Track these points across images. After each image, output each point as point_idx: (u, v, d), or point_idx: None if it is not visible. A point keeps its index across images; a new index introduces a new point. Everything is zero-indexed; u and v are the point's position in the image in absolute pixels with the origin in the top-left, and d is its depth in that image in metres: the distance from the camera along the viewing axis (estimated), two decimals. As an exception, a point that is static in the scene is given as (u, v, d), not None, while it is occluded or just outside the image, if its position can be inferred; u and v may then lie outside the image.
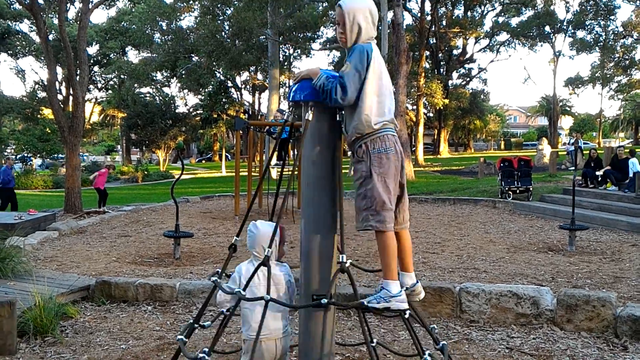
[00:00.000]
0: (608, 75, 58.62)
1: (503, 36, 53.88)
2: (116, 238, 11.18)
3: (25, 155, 34.63)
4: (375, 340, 3.59)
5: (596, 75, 59.63)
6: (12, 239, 8.49)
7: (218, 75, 44.91)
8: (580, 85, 62.24)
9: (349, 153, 3.06)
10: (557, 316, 5.81)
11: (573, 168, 13.93)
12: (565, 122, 74.79)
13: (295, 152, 14.06)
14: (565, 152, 30.58)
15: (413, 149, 39.83)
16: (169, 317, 6.45)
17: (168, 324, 6.20)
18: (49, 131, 34.49)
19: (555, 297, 5.93)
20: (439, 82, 43.39)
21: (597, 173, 16.45)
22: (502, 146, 70.94)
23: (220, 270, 3.29)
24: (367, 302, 2.87)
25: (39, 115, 41.56)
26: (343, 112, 3.03)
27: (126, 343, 5.60)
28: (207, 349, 2.92)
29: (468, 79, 57.86)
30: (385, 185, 2.89)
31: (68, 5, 38.64)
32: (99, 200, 16.30)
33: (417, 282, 3.08)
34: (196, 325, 3.33)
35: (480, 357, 5.11)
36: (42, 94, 41.64)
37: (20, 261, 7.71)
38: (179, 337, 3.09)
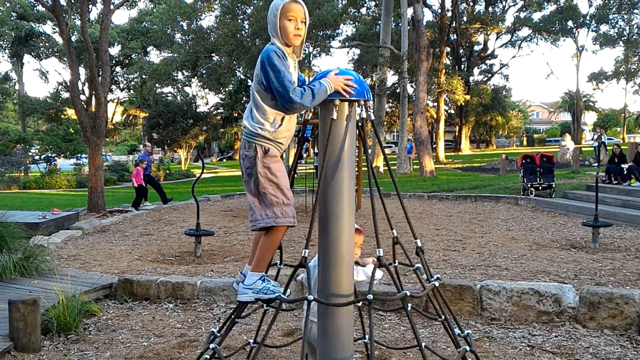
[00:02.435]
0: (632, 70, 57.70)
1: (525, 31, 53.35)
2: (138, 237, 11.30)
3: (50, 155, 35.11)
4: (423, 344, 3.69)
5: (620, 69, 58.72)
6: (36, 238, 8.64)
7: (238, 74, 45.08)
8: (604, 80, 61.36)
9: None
10: (580, 314, 5.74)
11: (596, 164, 13.72)
12: (589, 117, 73.80)
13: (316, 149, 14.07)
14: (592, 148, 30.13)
15: (434, 146, 39.60)
16: (190, 315, 6.51)
17: (189, 322, 6.26)
18: (72, 131, 34.92)
19: (578, 295, 5.86)
20: (460, 78, 43.04)
21: (623, 166, 16.17)
22: (525, 142, 70.17)
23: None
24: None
25: (62, 116, 42.17)
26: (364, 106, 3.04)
27: (148, 340, 5.66)
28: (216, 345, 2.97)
29: (489, 75, 57.32)
30: None
31: (90, 6, 39.06)
32: (137, 199, 16.24)
33: (240, 281, 3.13)
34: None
35: (501, 355, 5.08)
36: (65, 95, 42.23)
37: (44, 260, 7.82)
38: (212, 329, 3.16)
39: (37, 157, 36.51)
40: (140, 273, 7.85)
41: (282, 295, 2.86)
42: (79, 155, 35.07)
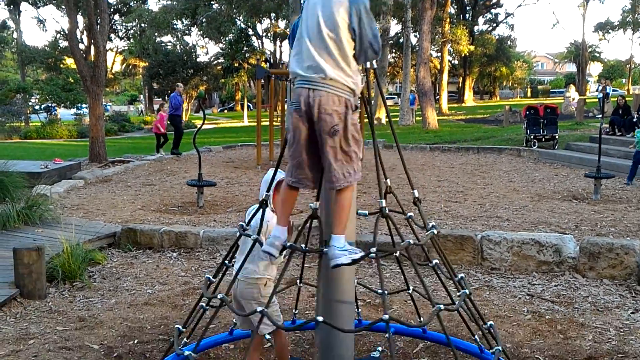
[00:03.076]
0: (639, 20, 56.61)
1: (531, -21, 52.07)
2: (140, 187, 11.32)
3: (50, 105, 34.86)
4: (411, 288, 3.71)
5: (627, 19, 57.62)
6: (39, 188, 8.65)
7: (239, 23, 44.31)
8: (610, 31, 60.30)
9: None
10: (580, 264, 5.79)
11: (600, 116, 13.60)
12: (594, 68, 72.83)
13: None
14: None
15: (437, 97, 39.26)
16: (193, 264, 6.58)
17: (193, 270, 6.33)
18: (72, 81, 34.53)
19: (578, 245, 5.90)
20: (465, 27, 42.30)
21: (634, 113, 15.98)
22: (529, 94, 69.51)
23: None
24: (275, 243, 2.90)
25: (61, 65, 41.61)
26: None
27: (152, 288, 5.73)
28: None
29: (494, 25, 56.26)
30: (290, 139, 2.76)
31: (87, -48, 38.13)
32: (159, 144, 16.29)
33: (330, 247, 2.79)
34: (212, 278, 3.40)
35: (500, 304, 5.14)
36: (63, 44, 41.59)
37: (47, 209, 7.86)
38: (207, 275, 3.22)
39: (37, 107, 36.25)
40: (143, 222, 7.90)
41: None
42: (79, 105, 34.79)
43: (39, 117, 34.06)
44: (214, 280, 3.26)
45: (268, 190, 3.09)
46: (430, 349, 4.21)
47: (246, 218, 3.29)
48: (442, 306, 2.75)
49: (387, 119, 3.54)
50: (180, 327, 3.12)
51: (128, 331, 4.60)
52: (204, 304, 3.19)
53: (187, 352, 2.84)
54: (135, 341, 4.41)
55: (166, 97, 47.59)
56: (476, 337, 3.45)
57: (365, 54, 2.69)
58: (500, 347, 2.98)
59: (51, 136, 27.33)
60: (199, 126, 10.35)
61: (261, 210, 3.09)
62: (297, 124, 2.68)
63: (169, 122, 16.99)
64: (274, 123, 16.34)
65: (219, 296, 2.89)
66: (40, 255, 5.33)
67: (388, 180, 3.10)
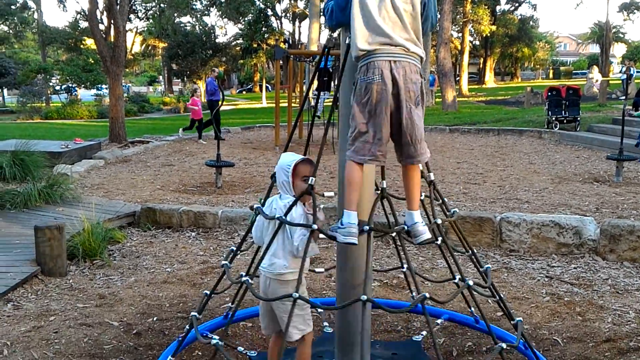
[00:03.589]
0: (667, -1, 55.35)
1: (555, -43, 51.01)
2: (160, 167, 11.40)
3: (70, 85, 35.12)
4: (405, 266, 3.63)
5: (654, -1, 56.32)
6: (60, 167, 8.76)
7: (258, 3, 44.18)
8: (635, 11, 58.93)
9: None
10: (600, 246, 5.72)
11: (624, 97, 13.36)
12: (618, 49, 71.41)
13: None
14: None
15: (457, 78, 38.87)
16: (212, 243, 6.62)
17: (211, 249, 6.37)
18: (92, 61, 34.75)
19: (599, 227, 5.83)
20: (486, 7, 41.74)
21: None
22: (551, 75, 68.42)
23: (262, 199, 3.27)
24: (319, 225, 2.73)
25: (81, 46, 41.94)
26: None
27: (171, 267, 5.79)
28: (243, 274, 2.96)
29: (517, 4, 55.37)
30: (362, 116, 2.64)
31: None
32: (200, 127, 15.86)
33: (416, 222, 2.78)
34: (238, 251, 3.37)
35: (519, 285, 5.11)
36: (84, 24, 41.81)
37: (68, 188, 7.95)
38: (224, 262, 3.12)
39: (57, 88, 36.54)
40: (162, 202, 7.96)
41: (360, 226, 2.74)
42: (99, 85, 35.03)
43: (59, 97, 34.33)
44: (230, 265, 3.15)
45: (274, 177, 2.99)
46: (448, 330, 4.21)
47: (270, 208, 3.01)
48: (470, 282, 2.78)
49: None
50: (196, 314, 3.09)
51: (147, 308, 4.65)
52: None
53: (214, 340, 2.79)
54: (155, 318, 4.46)
55: (185, 79, 47.79)
56: (472, 309, 3.59)
57: (429, 26, 2.74)
58: (521, 319, 3.02)
59: (71, 116, 27.57)
60: (217, 107, 10.36)
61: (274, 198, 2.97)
62: (381, 96, 2.61)
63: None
64: (293, 104, 16.30)
65: (244, 278, 2.82)
66: (60, 233, 5.40)
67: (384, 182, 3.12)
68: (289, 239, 2.83)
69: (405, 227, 2.76)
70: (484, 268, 3.06)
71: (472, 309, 3.64)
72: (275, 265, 2.89)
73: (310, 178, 2.80)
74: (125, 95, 30.09)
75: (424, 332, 3.95)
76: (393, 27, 2.62)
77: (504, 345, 2.69)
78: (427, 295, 2.59)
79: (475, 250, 3.17)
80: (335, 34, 3.21)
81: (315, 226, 2.71)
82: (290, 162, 2.90)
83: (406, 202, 2.83)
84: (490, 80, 53.50)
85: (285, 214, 2.80)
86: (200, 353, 3.88)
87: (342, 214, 2.72)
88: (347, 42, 2.81)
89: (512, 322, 3.01)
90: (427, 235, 2.72)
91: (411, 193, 2.79)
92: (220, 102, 10.46)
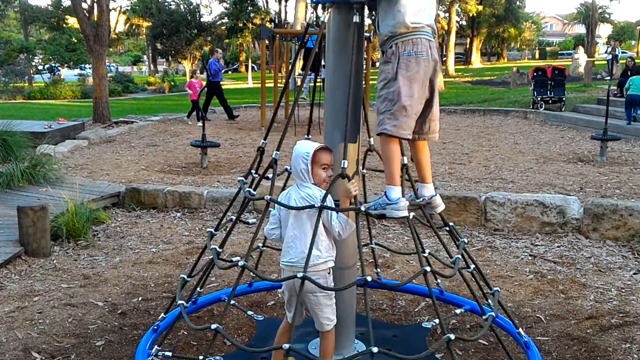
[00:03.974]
0: (653, -21, 55.41)
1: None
2: (144, 147, 11.31)
3: (53, 65, 34.61)
4: (374, 242, 3.76)
5: (640, -21, 56.39)
6: (43, 147, 8.65)
7: (243, -19, 43.62)
8: (621, -9, 59.08)
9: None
10: (583, 225, 5.78)
11: (609, 77, 13.42)
12: (604, 30, 71.61)
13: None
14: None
15: (443, 59, 38.77)
16: (197, 223, 6.60)
17: (197, 230, 6.35)
18: (75, 41, 34.23)
19: (582, 206, 5.88)
20: (473, -13, 41.51)
21: None
22: (537, 55, 68.53)
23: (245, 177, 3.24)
24: (365, 207, 2.73)
25: (64, 25, 41.21)
26: (374, 11, 2.88)
27: (156, 247, 5.76)
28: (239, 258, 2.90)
29: (503, -16, 55.19)
30: (409, 90, 2.68)
31: None
32: (198, 111, 15.07)
33: (436, 194, 2.91)
34: (215, 233, 3.35)
35: (502, 264, 5.16)
36: (67, 3, 41.09)
37: (51, 168, 7.87)
38: (212, 246, 3.05)
39: (40, 67, 36.00)
40: (147, 183, 7.90)
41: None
42: (82, 65, 34.57)
43: (42, 77, 33.86)
44: (220, 250, 3.07)
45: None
46: (432, 308, 4.23)
47: (288, 200, 2.87)
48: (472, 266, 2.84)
49: None
50: (184, 276, 3.09)
51: (132, 289, 4.64)
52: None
53: (214, 325, 2.72)
54: (140, 298, 4.45)
55: (170, 58, 47.24)
56: (438, 281, 3.79)
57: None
58: (497, 289, 3.08)
59: (55, 97, 27.20)
60: (203, 86, 10.27)
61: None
62: (427, 72, 2.75)
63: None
64: (279, 84, 16.19)
65: (241, 263, 2.76)
66: (44, 213, 5.35)
67: (372, 139, 3.22)
68: (330, 224, 2.73)
69: (426, 199, 2.95)
70: (460, 241, 3.10)
71: (439, 280, 3.75)
72: (305, 258, 2.66)
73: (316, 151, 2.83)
74: (110, 75, 29.74)
75: (436, 320, 3.70)
76: (431, 6, 2.78)
77: (493, 314, 2.73)
78: (428, 269, 2.62)
79: (453, 225, 3.22)
80: (320, 13, 3.18)
81: (362, 207, 2.72)
82: (309, 150, 2.81)
83: (421, 178, 3.02)
84: (476, 61, 53.45)
85: (322, 201, 2.69)
86: (185, 332, 3.88)
87: (387, 190, 2.79)
88: (323, 19, 2.80)
89: (489, 292, 3.05)
90: (443, 206, 2.98)
91: (428, 167, 2.99)
92: (206, 82, 10.35)
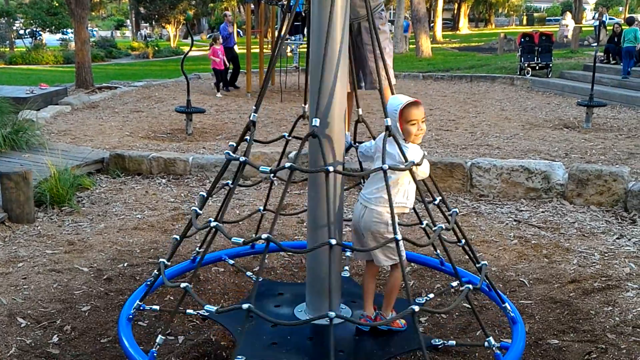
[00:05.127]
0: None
1: None
2: (128, 113, 11.17)
3: (35, 29, 33.87)
4: None
5: (629, -56, 55.96)
6: (25, 113, 8.50)
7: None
8: (610, -44, 58.67)
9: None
10: (568, 190, 5.82)
11: (596, 44, 13.42)
12: (592, -4, 71.30)
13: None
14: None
15: (431, 25, 38.41)
16: (182, 190, 6.57)
17: (182, 196, 6.32)
18: (57, 4, 33.48)
19: (567, 172, 5.91)
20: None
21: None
22: (525, 21, 68.23)
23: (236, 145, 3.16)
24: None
25: (45, -12, 40.29)
26: None
27: (142, 213, 5.73)
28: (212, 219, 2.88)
29: (492, -51, 54.54)
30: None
31: None
32: (224, 81, 14.81)
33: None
34: (204, 195, 3.31)
35: (487, 229, 5.19)
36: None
37: (34, 134, 7.76)
38: (193, 207, 3.04)
39: (21, 32, 35.22)
40: (131, 149, 7.82)
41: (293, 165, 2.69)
42: (64, 30, 33.85)
43: (23, 42, 33.10)
44: (201, 212, 3.05)
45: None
46: (417, 272, 4.27)
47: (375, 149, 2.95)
48: (443, 226, 2.76)
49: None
50: (164, 261, 3.02)
51: (118, 255, 4.62)
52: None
53: (184, 284, 2.73)
54: (125, 264, 4.43)
55: (154, 23, 46.43)
56: (437, 252, 3.62)
57: None
58: (485, 263, 3.03)
59: (37, 62, 26.70)
60: (186, 52, 10.10)
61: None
62: None
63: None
64: (264, 50, 15.98)
65: (213, 224, 2.76)
66: (27, 179, 5.28)
67: (360, 109, 3.12)
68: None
69: None
70: (451, 211, 3.06)
71: (438, 251, 3.68)
72: (379, 198, 2.80)
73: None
74: (92, 39, 29.17)
75: (347, 267, 3.81)
76: None
77: (470, 286, 2.72)
78: (399, 237, 2.57)
79: (443, 194, 3.17)
80: None
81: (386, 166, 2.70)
82: (396, 107, 2.78)
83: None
84: (464, 27, 53.06)
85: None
86: (172, 297, 3.89)
87: None
88: None
89: (476, 265, 3.04)
90: None
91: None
92: (190, 46, 10.16)
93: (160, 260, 2.96)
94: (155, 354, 2.59)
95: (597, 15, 28.07)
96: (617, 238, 4.87)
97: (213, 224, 2.68)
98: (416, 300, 3.54)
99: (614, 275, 4.10)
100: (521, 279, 4.13)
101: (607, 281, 4.01)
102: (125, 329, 2.78)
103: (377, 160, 2.81)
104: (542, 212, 5.60)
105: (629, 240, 4.81)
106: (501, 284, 4.04)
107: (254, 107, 2.86)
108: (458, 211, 3.01)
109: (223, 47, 14.66)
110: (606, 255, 4.51)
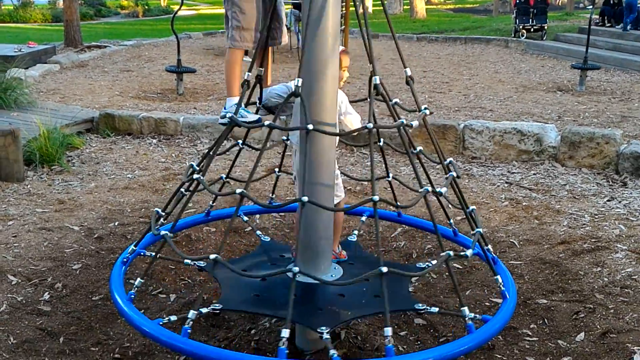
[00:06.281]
0: None
1: None
2: (118, 73, 11.01)
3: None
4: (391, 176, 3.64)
5: None
6: (13, 71, 8.36)
7: None
8: None
9: None
10: (560, 153, 5.82)
11: (591, 6, 13.29)
12: (589, -42, 70.45)
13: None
14: None
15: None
16: (173, 150, 6.52)
17: (173, 157, 6.28)
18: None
19: (560, 134, 5.91)
20: None
21: None
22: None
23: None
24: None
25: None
26: None
27: (132, 173, 5.70)
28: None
29: None
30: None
31: None
32: None
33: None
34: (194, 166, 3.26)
35: (479, 191, 5.20)
36: None
37: (23, 92, 7.64)
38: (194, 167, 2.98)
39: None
40: (121, 108, 7.73)
41: (271, 123, 2.67)
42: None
43: (11, 0, 32.46)
44: (197, 168, 3.02)
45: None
46: (408, 233, 4.29)
47: None
48: (428, 188, 2.67)
49: (375, 7, 3.28)
50: (159, 210, 3.03)
51: (108, 214, 4.60)
52: (184, 190, 3.03)
53: (163, 232, 2.78)
54: (116, 223, 4.42)
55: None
56: (451, 221, 3.46)
57: None
58: (480, 230, 2.97)
59: (24, 20, 26.19)
60: (175, 10, 9.91)
61: None
62: None
63: None
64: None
65: (195, 176, 2.77)
66: (16, 137, 5.23)
67: (372, 65, 2.97)
68: None
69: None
70: (449, 175, 2.99)
71: (451, 220, 3.52)
72: None
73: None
74: (80, -3, 28.56)
75: (356, 232, 3.67)
76: None
77: (451, 253, 2.63)
78: (377, 198, 2.47)
79: (444, 157, 3.06)
80: None
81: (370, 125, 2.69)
82: None
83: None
84: (459, -12, 52.40)
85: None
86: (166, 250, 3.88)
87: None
88: None
89: (472, 232, 2.98)
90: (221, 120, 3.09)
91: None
92: (179, 5, 9.96)
93: (155, 209, 2.99)
94: (133, 296, 2.69)
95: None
96: (608, 200, 4.89)
97: (238, 191, 2.60)
98: (417, 265, 3.47)
99: (603, 237, 4.13)
100: (511, 240, 4.16)
101: (597, 243, 4.04)
102: (118, 282, 2.78)
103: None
104: (534, 174, 5.61)
105: (620, 202, 4.83)
106: (491, 245, 4.05)
107: (248, 72, 2.81)
108: (455, 175, 2.90)
109: None
110: (596, 217, 4.54)
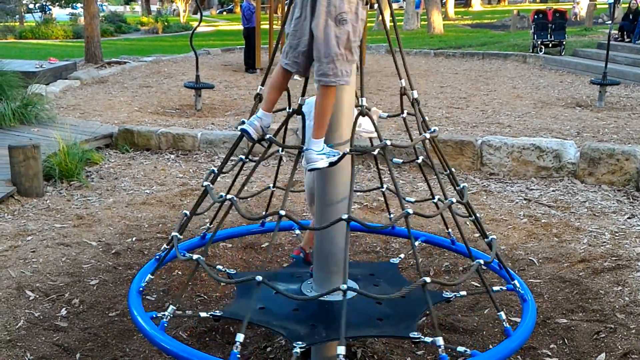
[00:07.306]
0: None
1: None
2: (137, 88, 11.14)
3: (44, 4, 33.81)
4: (385, 186, 3.56)
5: None
6: (34, 87, 8.49)
7: None
8: None
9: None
10: (579, 169, 5.76)
11: (610, 22, 13.20)
12: (608, -28, 70.15)
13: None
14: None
15: (443, 1, 37.92)
16: (191, 166, 6.56)
17: (191, 172, 6.32)
18: (66, -21, 33.47)
19: (579, 151, 5.85)
20: None
21: None
22: (538, -1, 67.29)
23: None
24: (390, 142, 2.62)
25: (54, -38, 40.09)
26: None
27: (150, 188, 5.74)
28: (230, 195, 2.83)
29: None
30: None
31: None
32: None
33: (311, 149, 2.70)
34: (216, 171, 3.28)
35: (497, 208, 5.15)
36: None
37: (43, 108, 7.76)
38: (205, 183, 2.98)
39: (31, 6, 35.14)
40: (140, 124, 7.81)
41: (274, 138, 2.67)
42: (74, 4, 33.76)
43: (33, 16, 33.07)
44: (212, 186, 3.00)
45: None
46: (425, 251, 4.25)
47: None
48: (453, 199, 2.72)
49: (391, 23, 3.26)
50: (177, 234, 2.99)
51: (126, 229, 4.63)
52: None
53: (195, 256, 2.72)
54: (134, 239, 4.44)
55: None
56: (449, 231, 3.47)
57: None
58: (494, 237, 2.95)
59: (46, 36, 26.66)
60: (194, 26, 10.02)
61: None
62: None
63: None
64: (274, 26, 15.84)
65: (228, 197, 2.72)
66: (36, 153, 5.29)
67: (403, 80, 2.92)
68: None
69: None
70: (460, 187, 3.00)
71: (450, 230, 3.59)
72: None
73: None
74: (101, 14, 29.05)
75: (402, 255, 3.82)
76: None
77: (481, 261, 2.67)
78: (410, 211, 2.49)
79: (453, 170, 3.09)
80: None
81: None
82: None
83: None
84: (477, 3, 52.33)
85: None
86: (180, 272, 3.89)
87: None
88: None
89: (485, 240, 2.98)
90: (317, 165, 2.58)
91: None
92: (198, 21, 10.07)
93: (173, 233, 2.94)
94: (165, 324, 2.56)
95: (612, -8, 27.50)
96: (629, 218, 4.82)
97: (229, 196, 2.63)
98: (443, 295, 3.42)
99: (624, 255, 4.07)
100: (530, 258, 4.11)
101: (617, 261, 3.98)
102: (136, 301, 2.78)
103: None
104: (553, 191, 5.55)
105: (641, 220, 4.76)
106: (510, 263, 4.02)
107: (261, 86, 2.82)
108: (467, 186, 2.88)
109: (245, 27, 14.00)
110: (617, 235, 4.47)
